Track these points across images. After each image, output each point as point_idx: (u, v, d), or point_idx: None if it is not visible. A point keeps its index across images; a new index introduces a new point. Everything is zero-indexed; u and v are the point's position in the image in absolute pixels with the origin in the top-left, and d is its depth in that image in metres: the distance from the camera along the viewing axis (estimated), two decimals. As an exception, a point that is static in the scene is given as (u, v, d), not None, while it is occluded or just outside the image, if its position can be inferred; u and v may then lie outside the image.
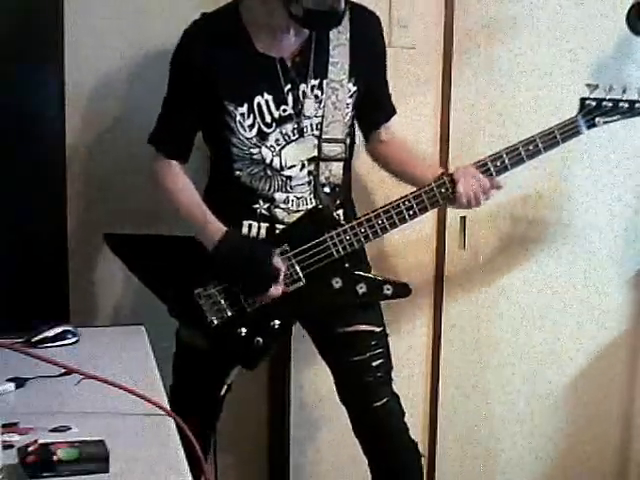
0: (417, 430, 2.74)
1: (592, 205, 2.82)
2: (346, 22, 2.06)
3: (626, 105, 2.12)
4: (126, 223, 2.46)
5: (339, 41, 2.07)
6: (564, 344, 2.88)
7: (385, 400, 2.16)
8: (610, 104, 2.12)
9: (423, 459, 2.29)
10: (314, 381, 2.62)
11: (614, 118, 2.13)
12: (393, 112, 2.27)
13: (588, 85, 2.13)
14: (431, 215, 2.69)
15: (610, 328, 2.91)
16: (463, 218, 2.73)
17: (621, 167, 2.82)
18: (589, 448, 2.96)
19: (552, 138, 2.12)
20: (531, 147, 2.12)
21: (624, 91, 2.12)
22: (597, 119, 2.12)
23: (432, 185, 2.08)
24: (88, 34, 2.38)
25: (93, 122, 2.44)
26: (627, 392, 2.97)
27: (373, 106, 2.22)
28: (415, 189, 2.10)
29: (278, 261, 2.05)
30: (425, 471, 2.77)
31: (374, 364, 2.15)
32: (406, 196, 2.08)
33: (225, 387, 2.17)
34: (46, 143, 2.30)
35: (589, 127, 2.13)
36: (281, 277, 2.04)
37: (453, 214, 2.72)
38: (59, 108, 2.30)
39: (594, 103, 2.12)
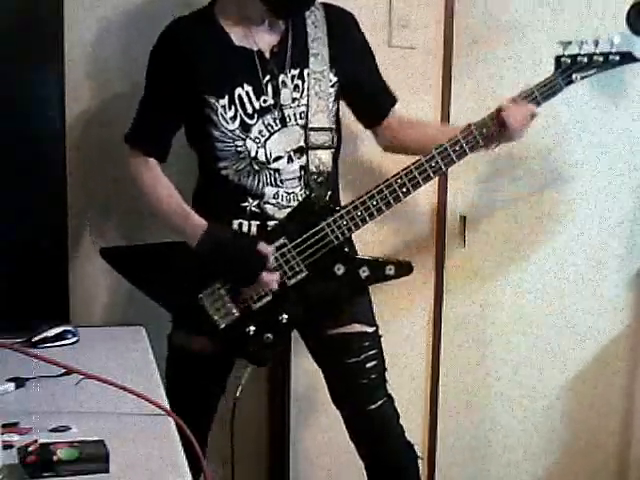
0: (417, 430, 2.74)
1: (592, 205, 2.82)
2: (322, 19, 2.12)
3: (600, 58, 2.12)
4: (127, 223, 2.46)
5: (316, 35, 2.11)
6: (564, 343, 2.88)
7: (380, 403, 2.15)
8: (585, 59, 2.12)
9: (420, 461, 2.27)
10: (314, 381, 2.61)
11: (590, 72, 2.13)
12: (394, 101, 2.26)
13: (561, 42, 2.13)
14: (431, 215, 2.70)
15: (610, 328, 2.91)
16: (463, 218, 2.73)
17: (620, 167, 2.82)
18: (589, 448, 2.96)
19: (533, 99, 2.12)
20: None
21: (596, 44, 2.11)
22: (574, 75, 2.12)
23: (422, 160, 2.07)
24: (88, 34, 2.39)
25: (93, 122, 2.44)
26: (627, 392, 2.97)
27: (371, 99, 2.23)
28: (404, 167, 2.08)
29: (264, 246, 2.03)
30: (425, 471, 2.78)
31: (368, 366, 2.14)
32: (397, 174, 2.07)
33: (240, 388, 2.16)
34: (46, 143, 2.30)
35: (567, 84, 2.13)
36: (270, 262, 2.02)
37: (453, 214, 2.72)
38: (59, 108, 2.30)
39: (569, 60, 2.12)
